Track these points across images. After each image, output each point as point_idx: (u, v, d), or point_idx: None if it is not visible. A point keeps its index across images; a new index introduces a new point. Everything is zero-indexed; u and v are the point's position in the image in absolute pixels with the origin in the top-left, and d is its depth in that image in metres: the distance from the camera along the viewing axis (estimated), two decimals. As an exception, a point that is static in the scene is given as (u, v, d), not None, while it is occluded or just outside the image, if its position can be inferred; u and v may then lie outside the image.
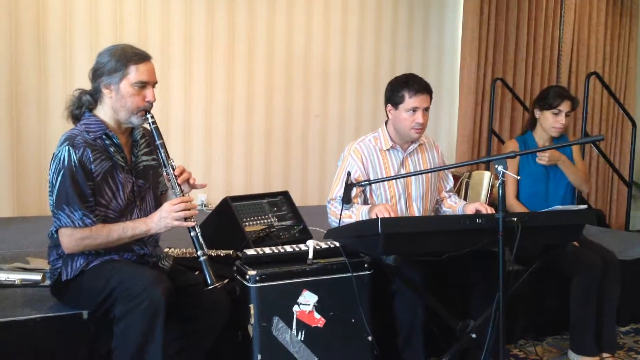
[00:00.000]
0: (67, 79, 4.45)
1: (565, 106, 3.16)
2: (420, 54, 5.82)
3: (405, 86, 2.78)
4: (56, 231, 2.14)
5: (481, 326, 2.49)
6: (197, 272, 2.68)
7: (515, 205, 3.18)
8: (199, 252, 2.12)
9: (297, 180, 5.34)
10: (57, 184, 2.10)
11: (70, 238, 2.11)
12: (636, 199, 6.78)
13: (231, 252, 2.93)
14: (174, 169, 2.18)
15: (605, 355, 2.97)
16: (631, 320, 3.61)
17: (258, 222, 3.08)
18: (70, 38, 4.46)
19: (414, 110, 2.77)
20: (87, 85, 2.27)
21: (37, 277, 2.56)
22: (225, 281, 2.15)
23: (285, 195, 3.27)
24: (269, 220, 3.10)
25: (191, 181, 2.24)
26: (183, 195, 2.16)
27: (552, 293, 3.24)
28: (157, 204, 2.35)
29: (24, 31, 4.32)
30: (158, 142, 2.20)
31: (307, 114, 5.37)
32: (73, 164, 2.09)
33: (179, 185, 2.17)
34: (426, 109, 2.80)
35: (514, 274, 2.52)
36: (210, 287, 2.09)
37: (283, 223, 3.14)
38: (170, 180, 2.19)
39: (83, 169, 2.11)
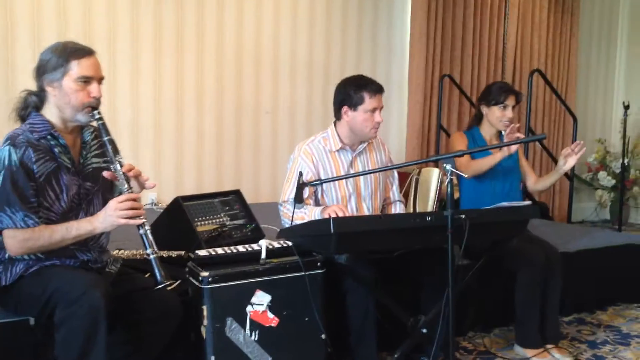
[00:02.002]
0: (9, 78, 4.29)
1: (510, 100, 3.28)
2: (370, 51, 5.87)
3: (364, 88, 2.82)
4: None
5: (432, 321, 2.55)
6: (147, 275, 2.65)
7: (471, 163, 3.23)
8: (149, 250, 2.07)
9: (248, 178, 5.31)
10: None
11: (14, 240, 2.05)
12: (578, 191, 7.03)
13: (183, 252, 2.90)
14: (122, 166, 2.13)
15: (549, 346, 3.08)
16: (574, 310, 3.75)
17: (210, 221, 3.05)
18: (11, 36, 4.31)
19: (373, 110, 2.81)
20: (30, 84, 2.21)
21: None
22: (177, 282, 2.13)
23: (237, 194, 3.26)
24: (221, 220, 3.08)
25: (143, 178, 2.19)
26: (131, 192, 2.11)
27: (498, 286, 3.34)
28: None
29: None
30: (105, 139, 2.14)
31: (257, 110, 5.34)
32: (13, 164, 2.04)
33: (127, 181, 2.12)
34: (381, 109, 2.85)
35: (462, 269, 2.59)
36: (160, 287, 2.05)
37: (235, 222, 3.13)
38: (117, 177, 2.13)
39: (24, 169, 2.05)
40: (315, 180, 2.68)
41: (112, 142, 2.15)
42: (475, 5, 6.11)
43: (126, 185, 2.12)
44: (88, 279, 2.04)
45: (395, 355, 2.57)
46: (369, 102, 2.81)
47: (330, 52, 5.65)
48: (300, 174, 2.59)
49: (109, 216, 2.07)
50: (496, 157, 3.14)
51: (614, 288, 3.94)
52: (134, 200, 2.08)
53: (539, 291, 3.06)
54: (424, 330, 2.56)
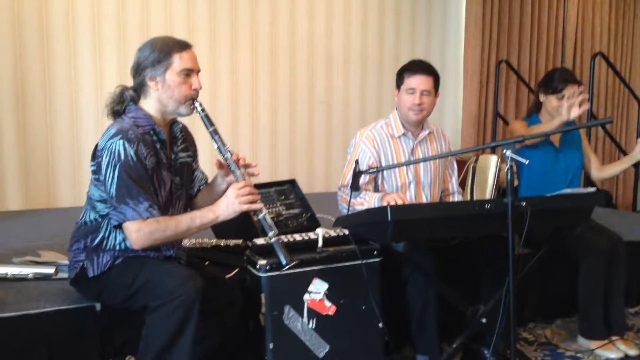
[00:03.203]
0: (72, 70, 4.44)
1: (569, 90, 3.12)
2: (424, 38, 5.79)
3: (406, 68, 2.85)
4: (117, 226, 2.09)
5: (491, 311, 2.51)
6: (207, 263, 2.71)
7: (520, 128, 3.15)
8: (270, 233, 2.11)
9: (303, 168, 5.33)
10: (115, 178, 2.05)
11: (139, 233, 2.05)
12: (642, 178, 6.76)
13: (240, 241, 2.95)
14: (231, 154, 2.17)
15: (614, 337, 2.98)
16: (640, 301, 3.62)
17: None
18: (73, 29, 4.45)
19: (412, 91, 2.78)
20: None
21: (50, 270, 2.57)
22: (236, 270, 2.15)
23: (292, 183, 3.28)
24: (277, 209, 3.11)
25: (253, 164, 2.23)
26: (244, 180, 2.15)
27: (561, 276, 3.25)
28: (186, 203, 2.36)
29: (28, 23, 4.31)
30: (211, 129, 2.18)
31: (311, 100, 5.35)
32: (130, 157, 2.05)
33: (239, 169, 2.16)
34: (426, 92, 2.79)
35: (522, 258, 2.53)
36: (286, 268, 2.11)
37: (291, 211, 3.15)
38: (230, 166, 2.18)
39: (140, 163, 2.08)
40: (372, 168, 2.67)
41: (216, 132, 2.19)
42: (533, -12, 5.94)
43: (239, 173, 2.16)
44: (185, 271, 2.09)
45: (454, 345, 2.54)
46: (407, 81, 2.81)
47: (383, 41, 5.60)
48: (357, 162, 2.58)
49: (231, 203, 2.10)
50: (554, 122, 2.99)
51: (684, 278, 3.78)
52: (250, 186, 2.12)
53: (603, 281, 2.96)
54: (484, 320, 2.52)
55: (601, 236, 3.05)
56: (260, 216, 2.12)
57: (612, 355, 2.90)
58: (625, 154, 5.78)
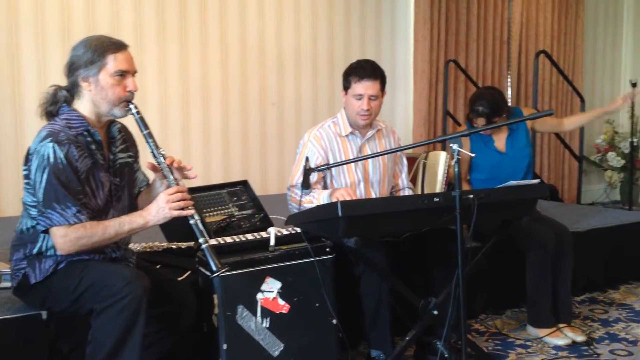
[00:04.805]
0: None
1: (481, 121, 3.20)
2: (374, 39, 5.84)
3: (352, 72, 2.82)
4: (44, 231, 2.05)
5: (443, 303, 2.55)
6: (158, 266, 2.67)
7: (464, 187, 3.26)
8: (201, 240, 2.07)
9: (256, 170, 5.31)
10: (44, 182, 2.01)
11: (65, 239, 2.02)
12: (587, 173, 6.99)
13: (192, 243, 2.92)
14: (165, 158, 2.13)
15: (561, 325, 3.06)
16: (586, 290, 3.74)
17: (218, 212, 3.06)
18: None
19: (360, 97, 2.79)
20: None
21: (-9, 279, 2.49)
22: (188, 273, 2.13)
23: (244, 184, 3.27)
24: (230, 210, 3.09)
25: (188, 167, 2.19)
26: (177, 185, 2.11)
27: (509, 267, 3.33)
28: (132, 203, 2.31)
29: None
30: (145, 132, 2.13)
31: (263, 102, 5.34)
32: (60, 161, 2.01)
33: (172, 174, 2.12)
34: (374, 97, 2.80)
35: (472, 251, 2.58)
36: (215, 275, 2.08)
37: (244, 212, 3.13)
38: (162, 170, 2.14)
39: (70, 166, 2.03)
40: (321, 166, 2.68)
41: (151, 135, 2.14)
42: (479, -12, 6.07)
43: (172, 177, 2.12)
44: (130, 271, 2.05)
45: (407, 338, 2.57)
46: (354, 86, 2.80)
47: (334, 42, 5.63)
48: (307, 159, 2.59)
49: (162, 209, 2.07)
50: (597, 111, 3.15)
51: (626, 266, 3.93)
52: (183, 192, 2.09)
53: (550, 271, 3.05)
54: (435, 312, 2.56)
55: (547, 228, 3.14)
56: (192, 222, 2.09)
57: (560, 342, 2.99)
58: (570, 150, 5.97)
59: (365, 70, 2.79)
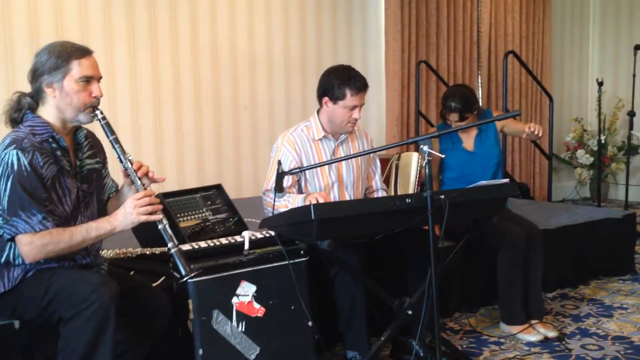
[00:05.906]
0: (9, 80, 4.20)
1: (454, 116, 3.33)
2: (345, 40, 5.87)
3: (348, 84, 2.77)
4: (10, 239, 2.02)
5: (417, 302, 2.58)
6: (132, 273, 2.65)
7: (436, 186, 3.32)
8: (170, 245, 2.07)
9: (230, 173, 5.30)
10: (8, 190, 1.99)
11: (31, 246, 2.00)
12: (557, 170, 7.12)
13: (166, 249, 2.90)
14: (131, 164, 2.12)
15: (533, 321, 3.12)
16: (557, 286, 3.81)
17: (192, 217, 3.05)
18: (10, 39, 4.25)
19: (353, 107, 2.80)
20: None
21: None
22: (162, 279, 2.12)
23: (218, 188, 3.25)
24: (204, 215, 3.08)
25: (150, 174, 2.18)
26: (145, 189, 2.11)
27: (482, 266, 3.38)
28: (101, 209, 2.29)
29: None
30: (111, 138, 2.13)
31: (236, 105, 5.33)
32: (24, 168, 1.99)
33: (139, 179, 2.11)
34: (362, 105, 2.84)
35: (444, 250, 2.61)
36: (185, 279, 2.08)
37: (218, 216, 3.12)
38: (129, 175, 2.13)
39: (35, 173, 2.01)
40: (295, 169, 2.69)
41: (117, 141, 2.13)
42: (448, -10, 6.14)
43: (139, 182, 2.11)
44: (98, 277, 2.04)
45: (382, 338, 2.59)
46: (350, 99, 2.78)
47: (305, 44, 5.64)
48: (280, 163, 2.60)
49: (129, 214, 2.06)
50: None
51: (596, 262, 4.01)
52: (150, 196, 2.08)
53: (520, 269, 3.10)
54: (409, 312, 2.58)
55: (517, 226, 3.19)
56: (160, 227, 2.08)
57: (532, 339, 3.04)
58: (539, 148, 6.08)
59: (359, 81, 2.79)
